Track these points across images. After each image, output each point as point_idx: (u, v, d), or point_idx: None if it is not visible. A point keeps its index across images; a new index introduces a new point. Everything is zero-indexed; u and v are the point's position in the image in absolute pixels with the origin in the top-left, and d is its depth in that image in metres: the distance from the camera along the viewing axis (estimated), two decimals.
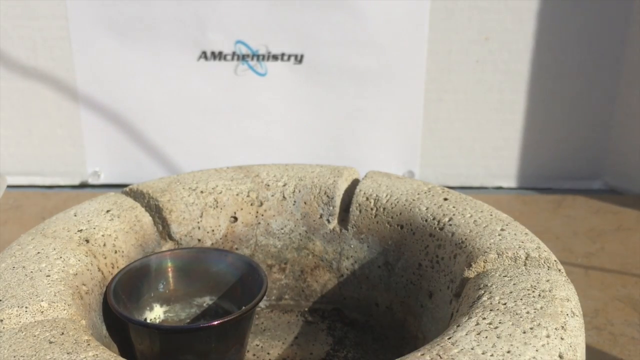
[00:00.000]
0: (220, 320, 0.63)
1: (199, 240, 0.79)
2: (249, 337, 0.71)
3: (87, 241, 0.69)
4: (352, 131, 1.63)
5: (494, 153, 1.65)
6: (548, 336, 0.51)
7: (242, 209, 0.81)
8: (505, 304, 0.55)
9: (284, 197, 0.82)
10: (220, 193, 0.81)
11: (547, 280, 0.58)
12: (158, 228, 0.78)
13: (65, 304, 0.58)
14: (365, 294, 0.80)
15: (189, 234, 0.79)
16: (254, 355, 0.77)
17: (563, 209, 1.53)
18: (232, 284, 0.72)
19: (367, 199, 0.78)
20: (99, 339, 0.65)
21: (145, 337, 0.65)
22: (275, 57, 1.56)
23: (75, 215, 0.73)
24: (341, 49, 1.54)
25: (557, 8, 1.52)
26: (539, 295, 0.56)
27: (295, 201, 0.81)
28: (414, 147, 1.64)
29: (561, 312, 0.54)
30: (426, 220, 0.72)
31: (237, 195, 0.81)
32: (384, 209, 0.77)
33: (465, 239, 0.67)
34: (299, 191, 0.82)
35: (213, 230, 0.80)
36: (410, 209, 0.75)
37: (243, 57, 1.56)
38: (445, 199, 0.75)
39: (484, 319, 0.53)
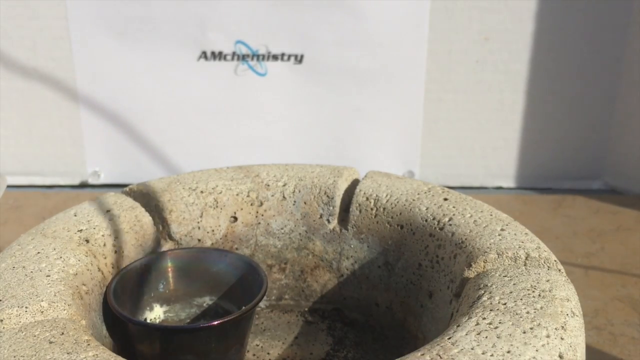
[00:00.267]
0: (220, 320, 0.63)
1: (199, 240, 0.79)
2: (249, 337, 0.71)
3: (87, 241, 0.69)
4: (352, 131, 1.62)
5: (493, 153, 1.65)
6: (548, 336, 0.51)
7: (242, 209, 0.81)
8: (505, 304, 0.55)
9: (284, 197, 0.82)
10: (220, 193, 0.81)
11: (547, 280, 0.58)
12: (158, 228, 0.78)
13: (65, 304, 0.58)
14: (365, 294, 0.80)
15: (189, 234, 0.79)
16: (254, 355, 0.77)
17: (563, 209, 1.53)
18: (232, 284, 0.72)
19: (367, 199, 0.78)
20: (99, 339, 0.65)
21: (145, 337, 0.65)
22: (275, 57, 1.56)
23: (75, 215, 0.73)
24: (341, 49, 1.54)
25: (557, 8, 1.52)
26: (539, 295, 0.56)
27: (295, 201, 0.81)
28: (414, 147, 1.64)
29: (561, 312, 0.54)
30: (426, 220, 0.72)
31: (237, 195, 0.81)
32: (384, 209, 0.77)
33: (465, 239, 0.67)
34: (299, 191, 0.82)
35: (213, 230, 0.80)
36: (410, 209, 0.75)
37: (243, 57, 1.55)
38: (445, 199, 0.75)
39: (484, 319, 0.53)
